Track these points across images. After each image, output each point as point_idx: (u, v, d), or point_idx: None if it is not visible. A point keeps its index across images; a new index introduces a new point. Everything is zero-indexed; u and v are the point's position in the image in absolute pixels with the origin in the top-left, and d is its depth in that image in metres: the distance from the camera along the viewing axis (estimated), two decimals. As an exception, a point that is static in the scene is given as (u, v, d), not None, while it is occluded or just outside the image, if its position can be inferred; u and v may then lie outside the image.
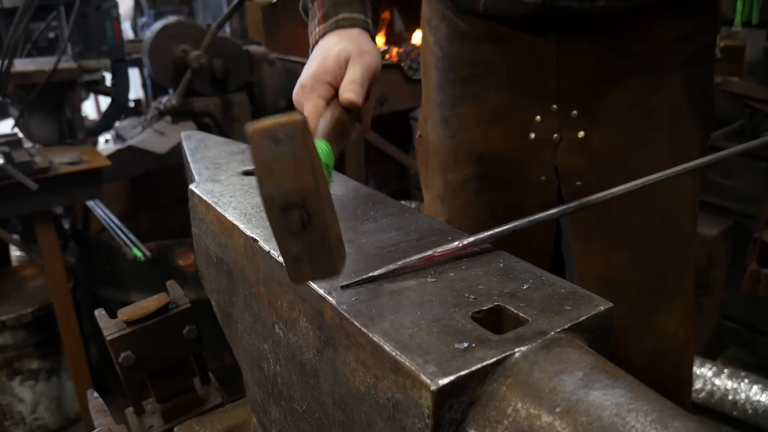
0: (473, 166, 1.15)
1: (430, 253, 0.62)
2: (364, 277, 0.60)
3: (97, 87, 2.89)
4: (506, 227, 0.67)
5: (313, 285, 0.59)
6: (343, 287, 0.58)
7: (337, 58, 0.81)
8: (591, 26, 1.01)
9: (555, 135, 1.07)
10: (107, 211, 2.68)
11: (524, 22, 1.03)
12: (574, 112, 1.05)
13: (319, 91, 0.79)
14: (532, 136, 1.08)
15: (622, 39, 1.02)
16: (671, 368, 1.12)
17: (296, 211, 0.49)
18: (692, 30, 1.04)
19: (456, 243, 0.64)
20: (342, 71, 0.81)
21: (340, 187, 0.86)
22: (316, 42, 0.87)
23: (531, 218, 0.67)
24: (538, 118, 1.07)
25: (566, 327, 0.51)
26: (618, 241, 1.08)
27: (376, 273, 0.60)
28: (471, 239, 0.65)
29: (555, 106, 1.05)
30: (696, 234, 1.14)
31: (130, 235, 2.50)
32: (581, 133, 1.06)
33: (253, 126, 0.49)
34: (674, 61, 1.04)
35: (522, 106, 1.08)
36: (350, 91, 0.78)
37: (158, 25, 2.62)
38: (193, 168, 0.95)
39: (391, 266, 0.61)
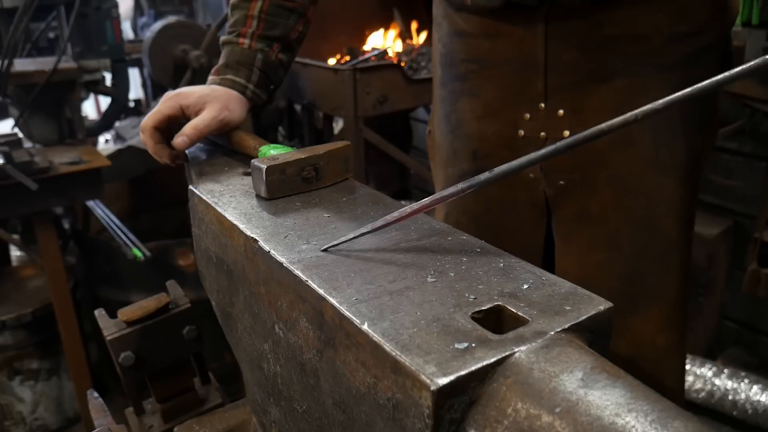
0: (469, 162, 1.17)
1: (397, 213, 0.66)
2: (341, 239, 0.67)
3: (97, 87, 2.89)
4: (481, 178, 0.63)
5: (313, 285, 0.59)
6: (324, 250, 0.66)
7: (199, 99, 0.99)
8: (578, 24, 1.01)
9: (542, 134, 1.08)
10: (107, 211, 2.68)
11: (512, 17, 1.04)
12: (561, 111, 1.06)
13: (169, 104, 0.99)
14: (521, 133, 1.10)
15: (611, 39, 1.01)
16: (648, 375, 1.11)
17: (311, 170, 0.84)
18: (687, 31, 1.03)
19: (419, 202, 0.66)
20: (195, 109, 0.98)
21: (340, 187, 0.86)
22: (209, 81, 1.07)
23: (508, 166, 0.62)
24: (527, 116, 1.09)
25: (566, 327, 0.51)
26: (595, 242, 1.09)
27: (351, 236, 0.66)
28: (428, 200, 0.65)
29: (542, 105, 1.07)
30: (684, 241, 1.11)
31: (130, 235, 2.50)
32: (566, 133, 1.06)
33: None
34: (665, 62, 1.03)
35: (512, 104, 1.10)
36: (184, 134, 0.96)
37: (158, 25, 2.63)
38: (193, 168, 0.96)
39: (365, 228, 0.67)
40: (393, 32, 3.39)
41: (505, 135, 1.12)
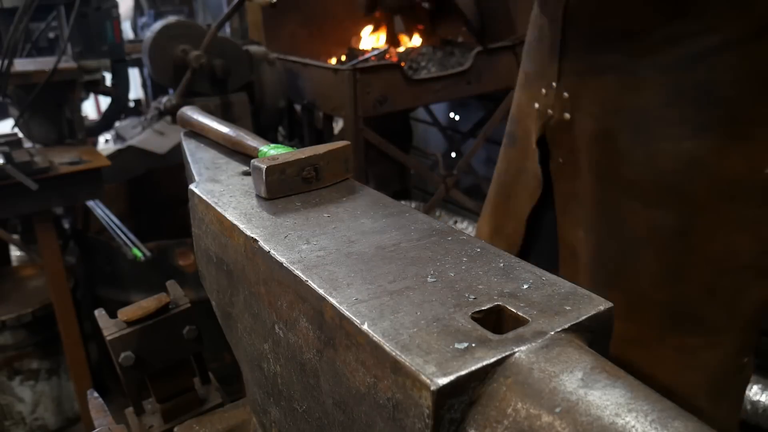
0: (507, 124, 1.35)
1: None
2: None
3: (97, 87, 2.89)
4: None
5: (313, 285, 0.59)
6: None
7: None
8: (588, 12, 1.09)
9: (549, 111, 1.18)
10: (107, 211, 2.68)
11: (546, 5, 1.17)
12: (566, 94, 1.15)
13: None
14: (536, 106, 1.21)
15: (611, 33, 1.05)
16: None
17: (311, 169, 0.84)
18: (684, 32, 1.00)
19: None
20: None
21: (340, 187, 0.86)
22: None
23: None
24: (543, 91, 1.19)
25: (566, 327, 0.51)
26: (578, 219, 1.19)
27: None
28: None
29: (554, 84, 1.16)
30: (654, 240, 1.12)
31: (130, 235, 2.50)
32: (567, 115, 1.15)
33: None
34: (656, 63, 1.02)
35: (539, 78, 1.21)
36: None
37: (158, 25, 2.62)
38: (193, 168, 0.95)
39: None
40: (382, 32, 3.39)
41: (528, 104, 1.24)
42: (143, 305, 0.97)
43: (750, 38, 1.00)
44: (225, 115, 2.61)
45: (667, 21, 1.00)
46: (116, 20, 2.88)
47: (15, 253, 2.94)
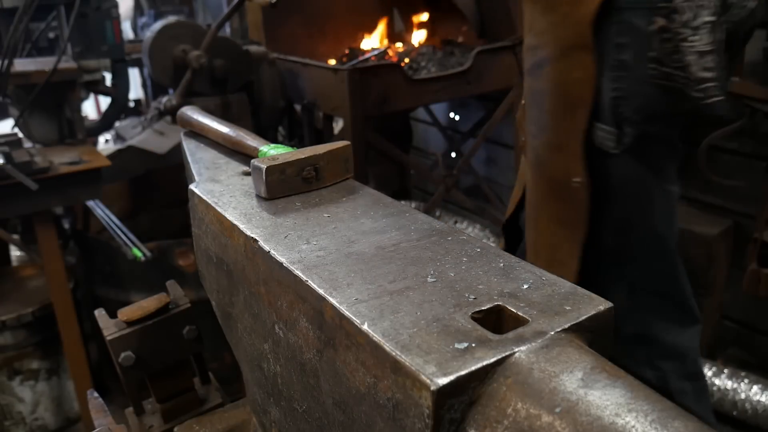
0: None
1: None
2: None
3: (97, 87, 2.89)
4: None
5: (313, 285, 0.59)
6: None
7: None
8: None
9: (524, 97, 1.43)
10: (107, 211, 2.68)
11: None
12: (525, 84, 1.36)
13: None
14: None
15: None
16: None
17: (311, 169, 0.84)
18: (531, 44, 1.24)
19: None
20: None
21: (340, 187, 0.86)
22: None
23: None
24: None
25: (566, 327, 0.51)
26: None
27: None
28: None
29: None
30: (536, 212, 1.34)
31: (130, 235, 2.50)
32: (523, 101, 1.37)
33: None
34: (525, 67, 1.28)
35: None
36: None
37: (158, 25, 2.62)
38: (193, 168, 0.95)
39: None
40: (381, 29, 3.39)
41: None
42: (143, 305, 0.97)
43: (558, 57, 1.21)
44: (225, 115, 2.61)
45: (527, 32, 1.24)
46: (116, 20, 2.88)
47: (15, 253, 2.93)
